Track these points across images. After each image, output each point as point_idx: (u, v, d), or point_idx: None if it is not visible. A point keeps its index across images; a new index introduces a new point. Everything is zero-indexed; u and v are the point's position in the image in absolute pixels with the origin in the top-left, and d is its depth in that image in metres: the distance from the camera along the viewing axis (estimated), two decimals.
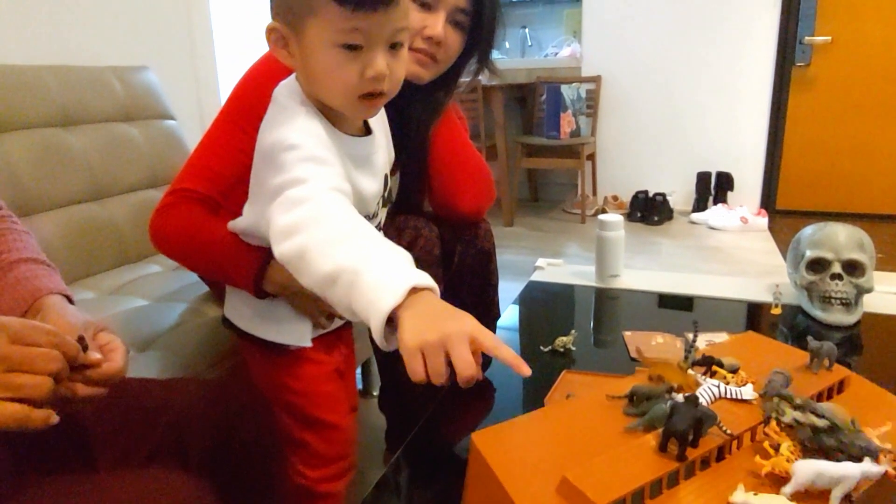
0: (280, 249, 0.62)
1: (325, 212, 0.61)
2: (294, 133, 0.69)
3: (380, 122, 0.87)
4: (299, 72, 0.74)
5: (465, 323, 0.52)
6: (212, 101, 2.12)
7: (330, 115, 0.74)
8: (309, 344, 0.86)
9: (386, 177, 0.86)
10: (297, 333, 0.86)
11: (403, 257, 0.58)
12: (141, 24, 1.87)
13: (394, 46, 0.69)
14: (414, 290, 0.53)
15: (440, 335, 0.50)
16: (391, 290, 0.53)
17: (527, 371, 0.51)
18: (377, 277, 0.54)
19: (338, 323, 0.92)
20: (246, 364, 0.95)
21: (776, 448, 0.58)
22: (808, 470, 0.54)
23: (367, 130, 0.81)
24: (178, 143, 1.65)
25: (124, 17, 1.81)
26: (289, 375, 0.88)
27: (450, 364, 0.51)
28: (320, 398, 0.89)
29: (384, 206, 0.89)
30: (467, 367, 0.50)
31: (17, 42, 1.51)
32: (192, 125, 1.96)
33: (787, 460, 0.56)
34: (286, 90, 0.76)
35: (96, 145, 1.43)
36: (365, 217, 0.81)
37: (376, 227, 0.86)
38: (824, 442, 0.57)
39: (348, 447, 0.93)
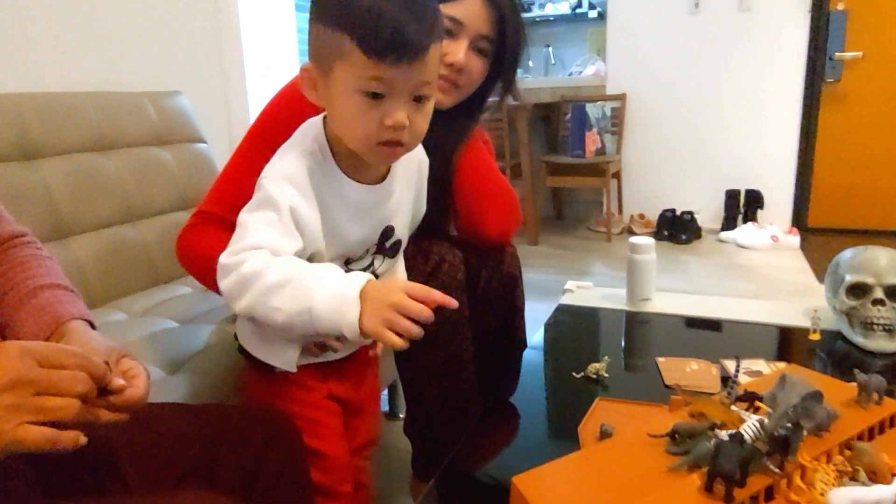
0: (235, 310, 0.69)
1: (250, 272, 0.67)
2: (270, 171, 0.73)
3: (412, 178, 0.87)
4: (326, 111, 0.75)
5: (396, 287, 0.64)
6: (241, 124, 2.16)
7: (350, 157, 0.75)
8: (294, 370, 0.84)
9: (389, 229, 0.84)
10: (285, 357, 0.84)
11: (333, 271, 0.67)
12: (174, 50, 1.92)
13: (418, 99, 0.69)
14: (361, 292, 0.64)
15: (389, 305, 0.62)
16: (347, 305, 0.63)
17: (454, 304, 0.64)
18: (328, 305, 0.64)
19: (331, 356, 0.88)
20: (245, 383, 0.94)
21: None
22: (843, 499, 0.52)
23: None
24: (208, 166, 1.67)
25: (158, 43, 1.86)
26: (279, 397, 0.86)
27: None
28: (308, 424, 0.86)
29: (388, 256, 0.87)
30: (421, 311, 0.62)
31: (55, 69, 1.56)
32: (221, 148, 1.99)
33: (822, 493, 0.54)
34: (305, 126, 0.78)
35: (130, 169, 1.46)
36: (349, 258, 0.82)
37: (366, 268, 0.85)
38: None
39: (340, 478, 0.89)
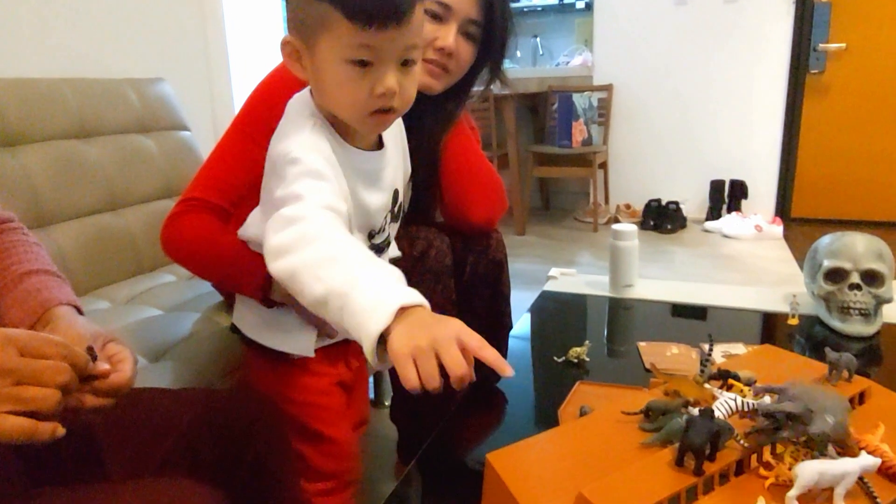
0: (272, 268, 0.62)
1: (314, 232, 0.62)
2: (297, 146, 0.70)
3: (397, 136, 0.88)
4: (312, 85, 0.74)
5: (451, 326, 0.53)
6: (226, 111, 2.15)
7: (341, 128, 0.75)
8: (312, 354, 0.85)
9: (396, 192, 0.86)
10: (302, 343, 0.85)
11: (393, 276, 0.58)
12: (157, 36, 1.90)
13: (405, 63, 0.69)
14: (403, 309, 0.54)
15: (429, 339, 0.51)
16: (380, 312, 0.53)
17: (509, 372, 0.52)
18: (366, 300, 0.55)
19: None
20: (249, 372, 0.94)
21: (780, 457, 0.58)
22: (810, 471, 0.54)
23: (381, 144, 0.81)
24: (192, 154, 1.67)
25: (140, 29, 1.84)
26: (288, 385, 0.87)
27: (442, 374, 0.51)
28: (318, 410, 0.88)
29: (394, 220, 0.88)
30: (459, 366, 0.50)
31: (35, 55, 1.54)
32: (206, 136, 1.98)
33: (790, 467, 0.56)
34: (298, 103, 0.77)
35: (113, 156, 1.45)
36: (371, 231, 0.82)
37: (384, 241, 0.86)
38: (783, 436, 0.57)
39: (347, 462, 0.91)
